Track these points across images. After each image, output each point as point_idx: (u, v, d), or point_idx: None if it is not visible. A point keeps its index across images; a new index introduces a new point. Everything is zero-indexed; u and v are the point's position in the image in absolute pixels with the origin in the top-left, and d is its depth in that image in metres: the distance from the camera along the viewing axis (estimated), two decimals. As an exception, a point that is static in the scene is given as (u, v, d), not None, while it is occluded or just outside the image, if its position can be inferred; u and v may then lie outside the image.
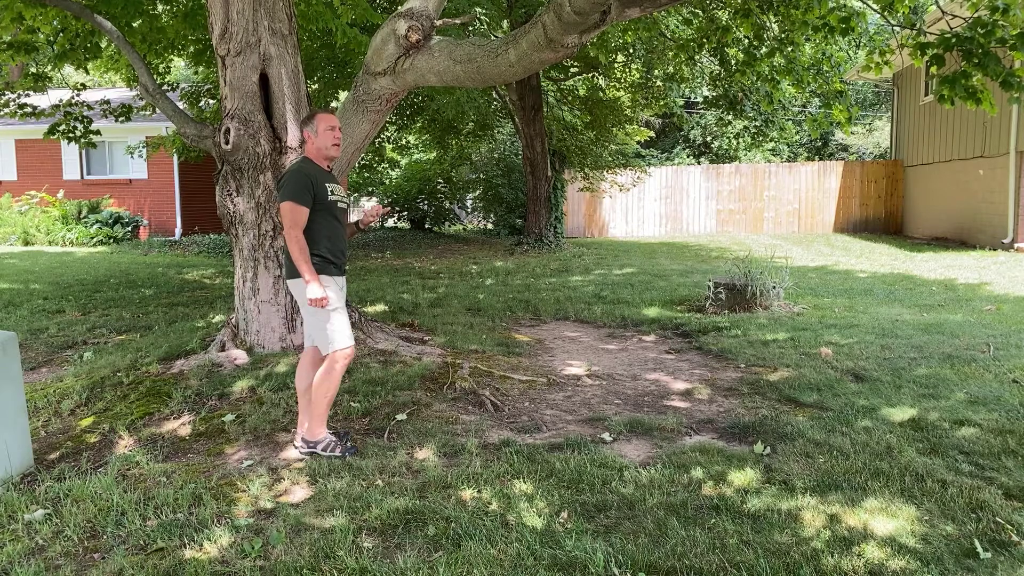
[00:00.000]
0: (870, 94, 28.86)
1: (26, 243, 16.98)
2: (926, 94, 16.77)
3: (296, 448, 3.90)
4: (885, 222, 19.54)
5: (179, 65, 22.03)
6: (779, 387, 4.93)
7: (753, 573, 2.67)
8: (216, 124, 5.57)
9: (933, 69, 4.95)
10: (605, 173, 18.45)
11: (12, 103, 10.10)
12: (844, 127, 7.29)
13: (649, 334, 6.88)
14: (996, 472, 3.47)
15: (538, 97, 15.10)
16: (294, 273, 3.80)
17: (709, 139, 27.97)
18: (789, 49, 7.43)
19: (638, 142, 22.02)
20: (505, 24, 14.16)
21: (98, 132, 10.64)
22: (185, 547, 2.95)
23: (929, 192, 17.26)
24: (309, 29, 8.87)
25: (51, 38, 8.55)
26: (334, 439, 3.91)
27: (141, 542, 3.01)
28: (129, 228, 17.96)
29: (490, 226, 22.12)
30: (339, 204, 3.93)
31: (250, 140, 5.27)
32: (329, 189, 3.87)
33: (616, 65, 16.09)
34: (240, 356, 5.31)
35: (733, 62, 10.45)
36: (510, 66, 4.12)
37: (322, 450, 3.85)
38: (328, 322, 3.78)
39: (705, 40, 8.81)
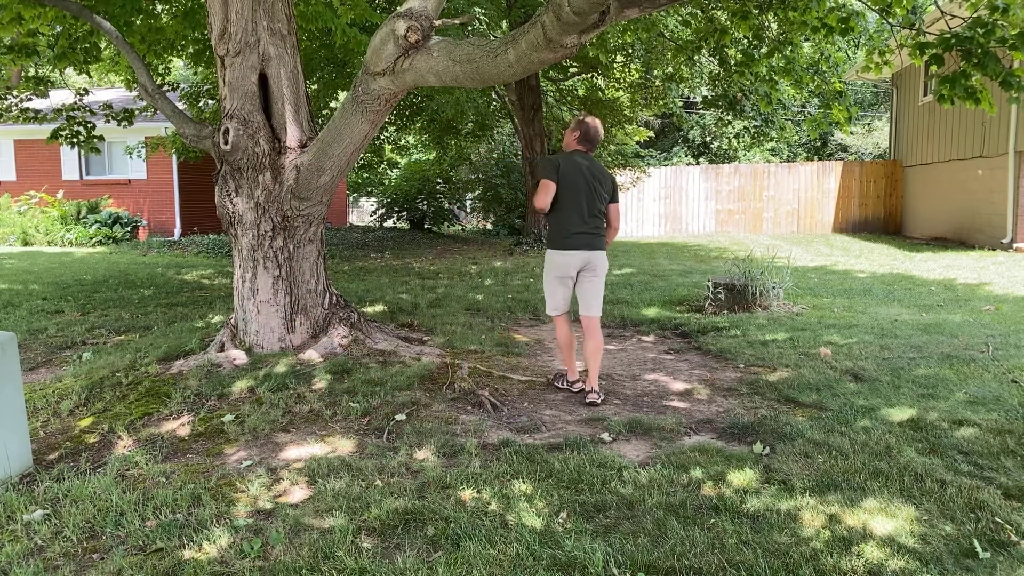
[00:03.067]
0: (869, 94, 28.90)
1: (25, 243, 16.98)
2: (925, 94, 16.78)
3: (596, 398, 4.77)
4: (884, 222, 19.54)
5: (179, 65, 22.02)
6: (778, 387, 4.93)
7: (752, 573, 2.67)
8: (215, 124, 5.57)
9: (932, 69, 4.95)
10: (604, 173, 18.40)
11: (15, 107, 10.09)
12: (843, 127, 7.29)
13: (648, 334, 6.88)
14: (995, 472, 3.47)
15: (537, 97, 15.11)
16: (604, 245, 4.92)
17: (708, 139, 27.98)
18: (788, 50, 7.43)
19: (637, 142, 22.03)
20: (504, 24, 14.16)
21: (101, 137, 10.45)
22: (184, 547, 2.95)
23: (928, 192, 17.27)
24: (309, 29, 8.87)
25: (51, 40, 8.54)
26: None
27: (140, 542, 3.00)
28: (128, 228, 17.97)
29: (489, 226, 22.12)
30: None
31: (249, 140, 5.27)
32: None
33: (615, 65, 16.10)
34: (239, 356, 5.30)
35: (732, 62, 10.46)
36: (509, 66, 4.11)
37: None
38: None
39: (703, 41, 8.81)
